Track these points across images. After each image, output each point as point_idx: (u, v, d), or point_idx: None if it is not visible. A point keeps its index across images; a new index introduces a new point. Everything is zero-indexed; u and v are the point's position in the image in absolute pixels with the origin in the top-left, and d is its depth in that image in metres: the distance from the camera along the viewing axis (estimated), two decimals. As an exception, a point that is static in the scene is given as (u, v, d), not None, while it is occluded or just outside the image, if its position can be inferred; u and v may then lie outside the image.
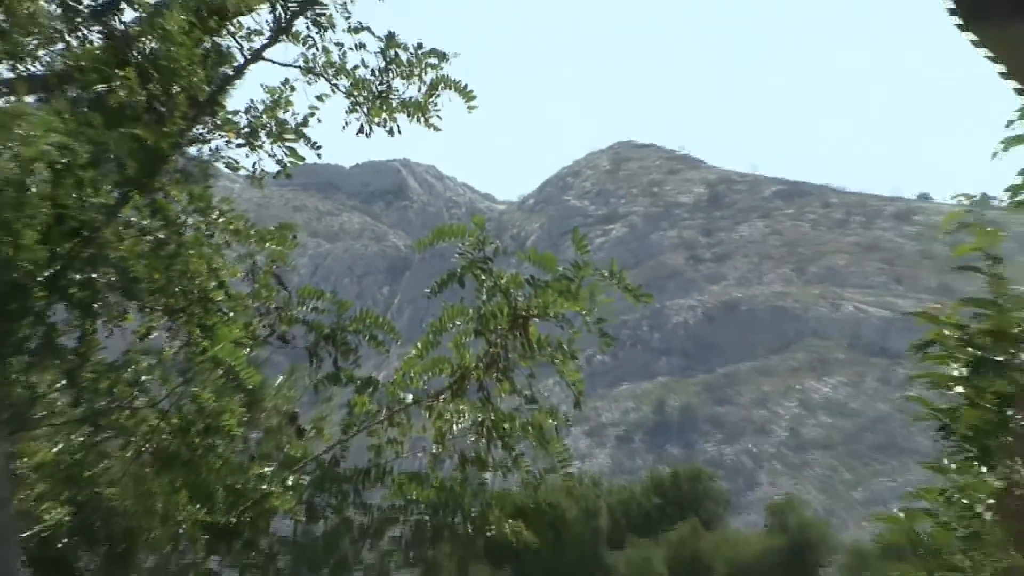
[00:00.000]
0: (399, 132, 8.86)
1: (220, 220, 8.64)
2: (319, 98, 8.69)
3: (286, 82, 8.73)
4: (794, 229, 78.05)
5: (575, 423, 9.59)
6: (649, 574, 19.38)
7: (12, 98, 8.71)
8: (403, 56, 8.59)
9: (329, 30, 8.58)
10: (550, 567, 17.37)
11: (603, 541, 19.57)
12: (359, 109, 8.79)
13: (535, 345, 8.96)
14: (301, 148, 9.04)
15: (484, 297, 8.95)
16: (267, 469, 9.19)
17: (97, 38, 8.62)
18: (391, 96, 8.81)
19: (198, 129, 8.76)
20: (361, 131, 8.91)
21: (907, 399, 5.67)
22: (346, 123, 8.76)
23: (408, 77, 8.67)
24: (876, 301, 67.71)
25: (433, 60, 8.58)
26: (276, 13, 8.49)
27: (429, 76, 8.64)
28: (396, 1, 9.20)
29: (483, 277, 8.86)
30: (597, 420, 64.05)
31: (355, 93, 8.73)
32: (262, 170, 9.12)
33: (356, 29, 8.49)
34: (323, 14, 8.44)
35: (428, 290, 9.12)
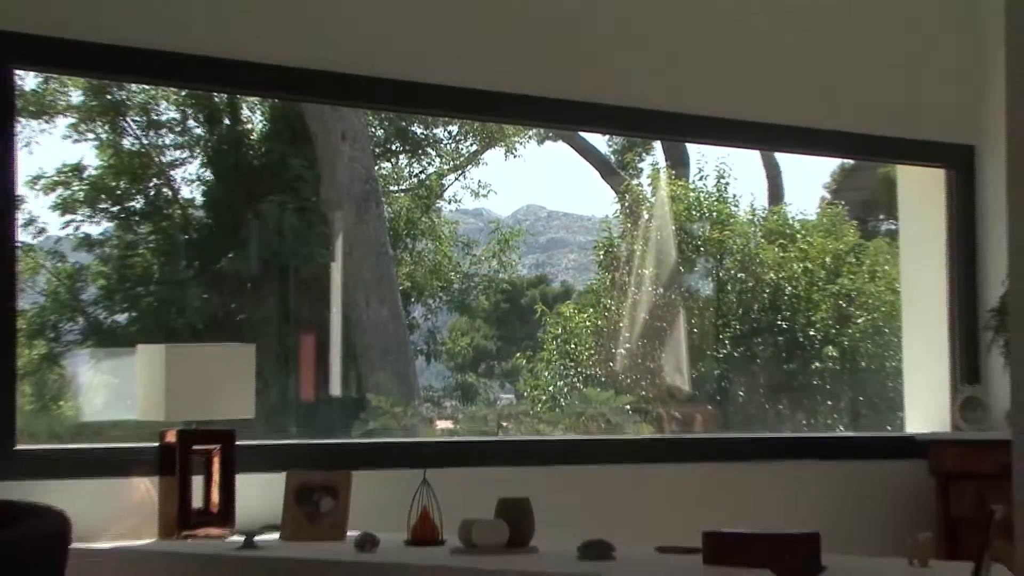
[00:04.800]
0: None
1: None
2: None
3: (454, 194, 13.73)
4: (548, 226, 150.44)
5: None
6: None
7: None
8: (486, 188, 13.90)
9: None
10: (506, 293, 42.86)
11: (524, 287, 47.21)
12: (472, 193, 13.71)
13: (510, 245, 13.86)
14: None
15: (501, 236, 13.87)
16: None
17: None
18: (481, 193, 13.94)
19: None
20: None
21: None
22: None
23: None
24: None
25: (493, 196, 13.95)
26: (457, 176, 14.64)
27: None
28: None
29: (502, 232, 13.97)
30: (520, 264, 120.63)
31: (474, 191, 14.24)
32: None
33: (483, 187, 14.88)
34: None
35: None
